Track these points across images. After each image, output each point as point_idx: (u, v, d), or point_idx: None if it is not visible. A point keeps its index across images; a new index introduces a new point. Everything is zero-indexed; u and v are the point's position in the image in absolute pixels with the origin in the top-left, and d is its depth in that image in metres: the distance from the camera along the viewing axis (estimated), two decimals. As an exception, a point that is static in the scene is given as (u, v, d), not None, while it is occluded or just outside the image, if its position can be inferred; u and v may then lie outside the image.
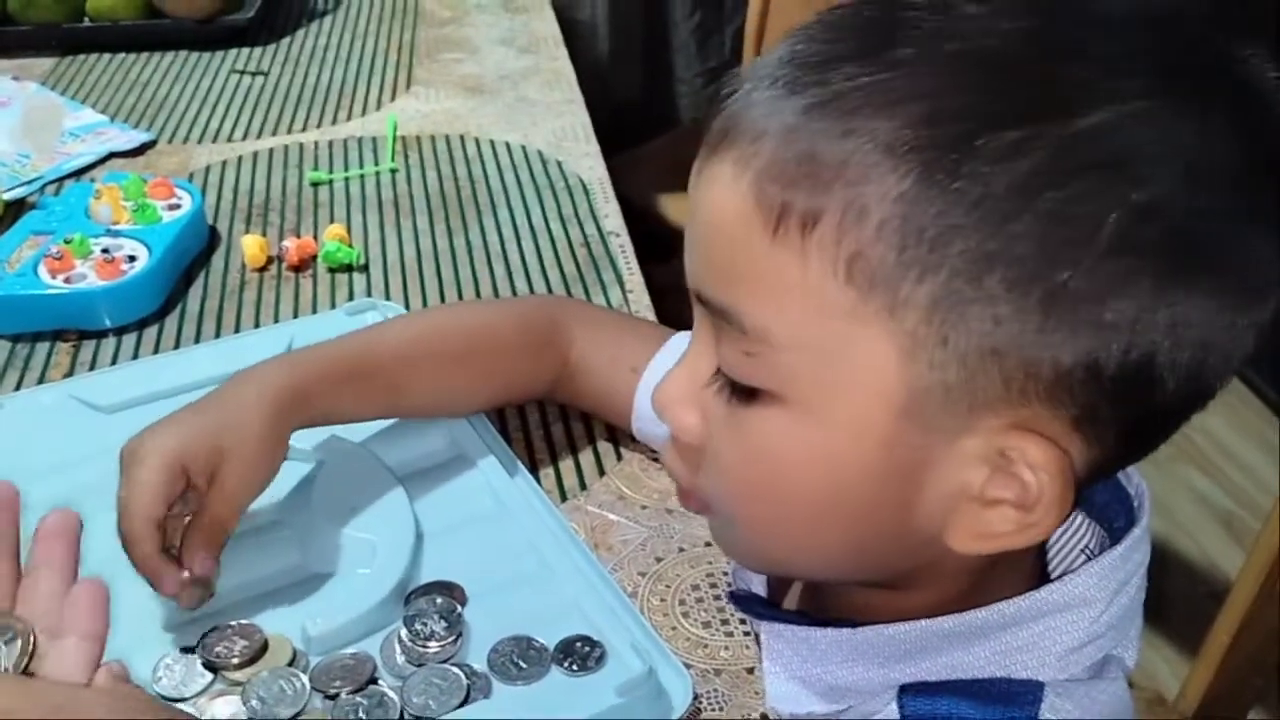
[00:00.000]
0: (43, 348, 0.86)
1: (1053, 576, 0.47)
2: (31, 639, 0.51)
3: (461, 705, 0.57)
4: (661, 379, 0.46)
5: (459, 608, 0.62)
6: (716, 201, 0.40)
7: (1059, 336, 0.36)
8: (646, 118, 2.08)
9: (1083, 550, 0.47)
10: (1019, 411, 0.38)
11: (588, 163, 1.13)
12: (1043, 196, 0.35)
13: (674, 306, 0.76)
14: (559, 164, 1.13)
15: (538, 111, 1.25)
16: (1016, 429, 0.38)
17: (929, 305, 0.37)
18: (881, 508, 0.41)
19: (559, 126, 1.21)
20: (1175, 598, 1.72)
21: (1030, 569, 0.47)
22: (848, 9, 0.40)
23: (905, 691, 0.45)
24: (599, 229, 1.01)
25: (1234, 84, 0.38)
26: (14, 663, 0.50)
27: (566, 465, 0.75)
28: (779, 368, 0.40)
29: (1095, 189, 0.35)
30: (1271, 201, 0.38)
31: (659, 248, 1.32)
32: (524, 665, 0.59)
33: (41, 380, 0.83)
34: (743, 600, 0.56)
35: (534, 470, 0.73)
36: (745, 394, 0.42)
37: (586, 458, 0.75)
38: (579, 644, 0.60)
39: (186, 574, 0.58)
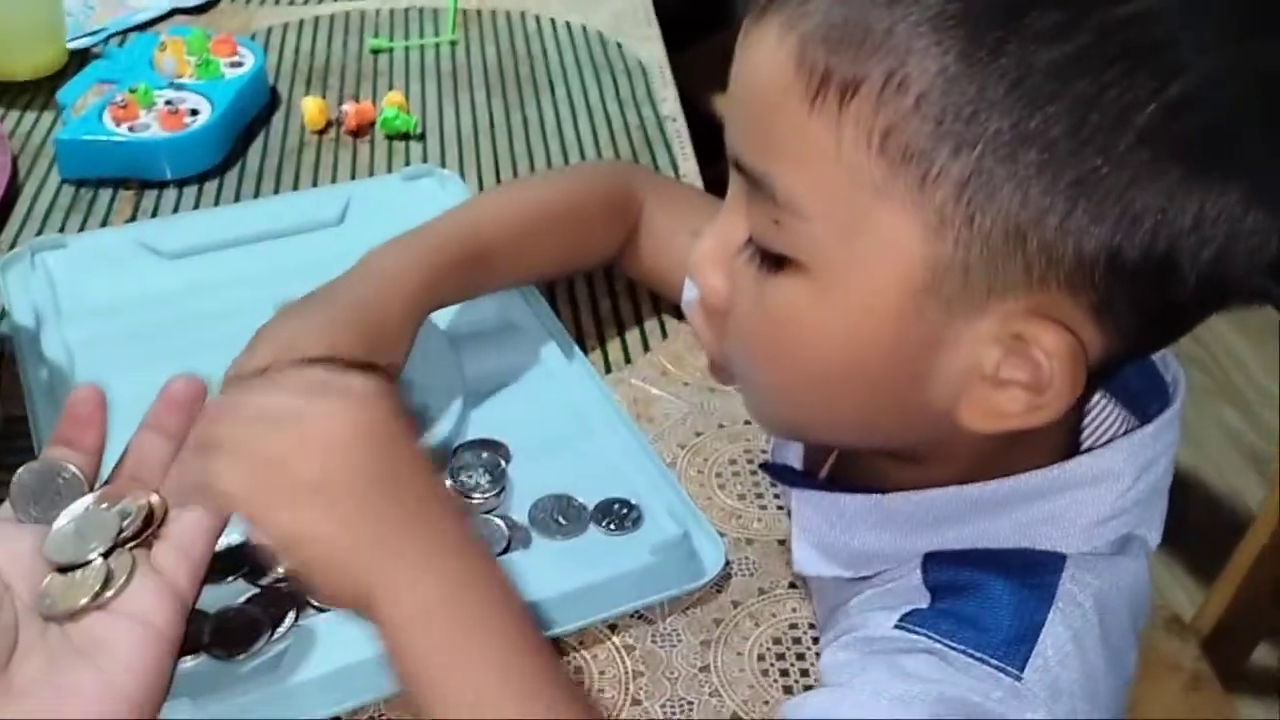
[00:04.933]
0: (105, 194, 0.88)
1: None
2: (149, 510, 0.46)
3: (502, 554, 0.59)
4: (697, 241, 0.47)
5: (503, 463, 0.64)
6: (759, 64, 0.41)
7: (1084, 222, 0.37)
8: (700, 16, 2.05)
9: (1114, 437, 0.48)
10: (1037, 297, 0.39)
11: (647, 46, 1.12)
12: (1082, 80, 0.35)
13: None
14: (619, 45, 1.12)
15: (599, -8, 1.24)
16: (1034, 314, 0.39)
17: (960, 181, 0.37)
18: (894, 381, 0.43)
19: (620, 7, 1.20)
20: (1196, 529, 1.73)
21: (1059, 446, 0.47)
22: None
23: (930, 559, 0.46)
24: (655, 113, 1.01)
25: None
26: (135, 531, 0.45)
27: (613, 341, 0.76)
28: (805, 237, 0.41)
29: (1133, 76, 0.35)
30: None
31: (710, 148, 1.31)
32: (564, 521, 0.61)
33: (104, 225, 0.84)
34: (775, 469, 0.57)
35: (580, 344, 0.74)
36: (773, 263, 0.43)
37: (632, 334, 0.77)
38: (617, 505, 0.62)
39: None
